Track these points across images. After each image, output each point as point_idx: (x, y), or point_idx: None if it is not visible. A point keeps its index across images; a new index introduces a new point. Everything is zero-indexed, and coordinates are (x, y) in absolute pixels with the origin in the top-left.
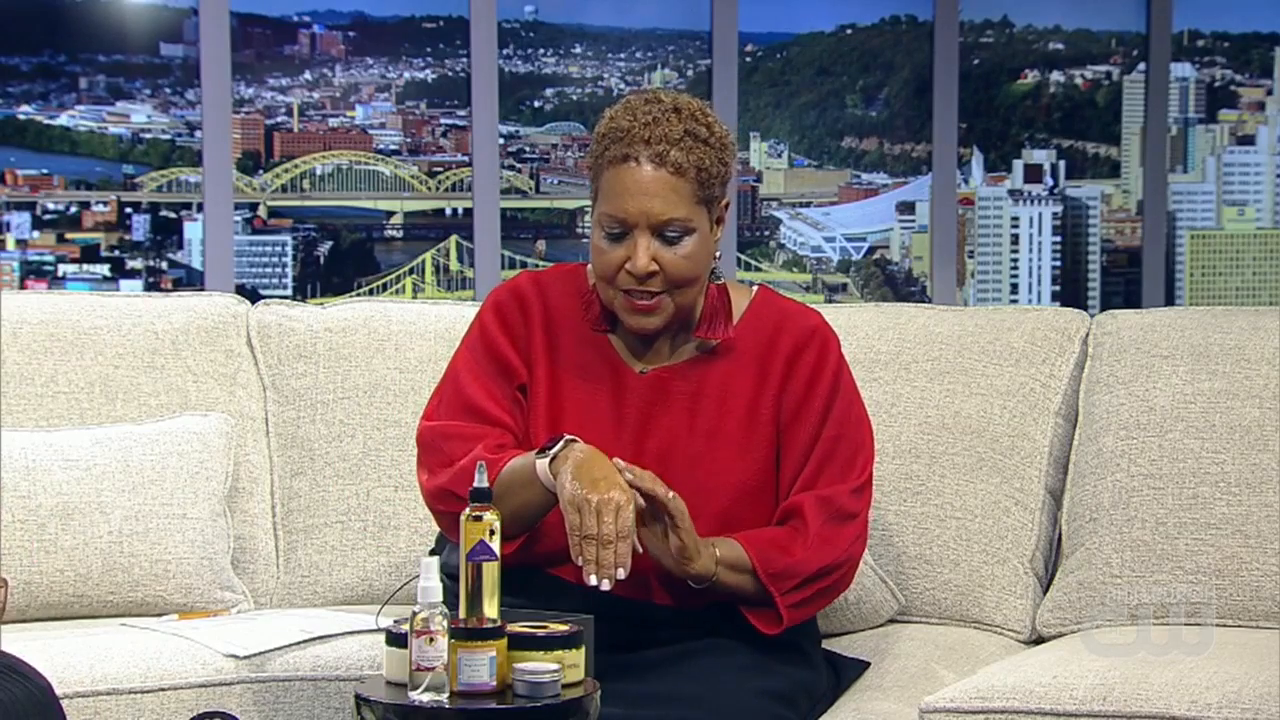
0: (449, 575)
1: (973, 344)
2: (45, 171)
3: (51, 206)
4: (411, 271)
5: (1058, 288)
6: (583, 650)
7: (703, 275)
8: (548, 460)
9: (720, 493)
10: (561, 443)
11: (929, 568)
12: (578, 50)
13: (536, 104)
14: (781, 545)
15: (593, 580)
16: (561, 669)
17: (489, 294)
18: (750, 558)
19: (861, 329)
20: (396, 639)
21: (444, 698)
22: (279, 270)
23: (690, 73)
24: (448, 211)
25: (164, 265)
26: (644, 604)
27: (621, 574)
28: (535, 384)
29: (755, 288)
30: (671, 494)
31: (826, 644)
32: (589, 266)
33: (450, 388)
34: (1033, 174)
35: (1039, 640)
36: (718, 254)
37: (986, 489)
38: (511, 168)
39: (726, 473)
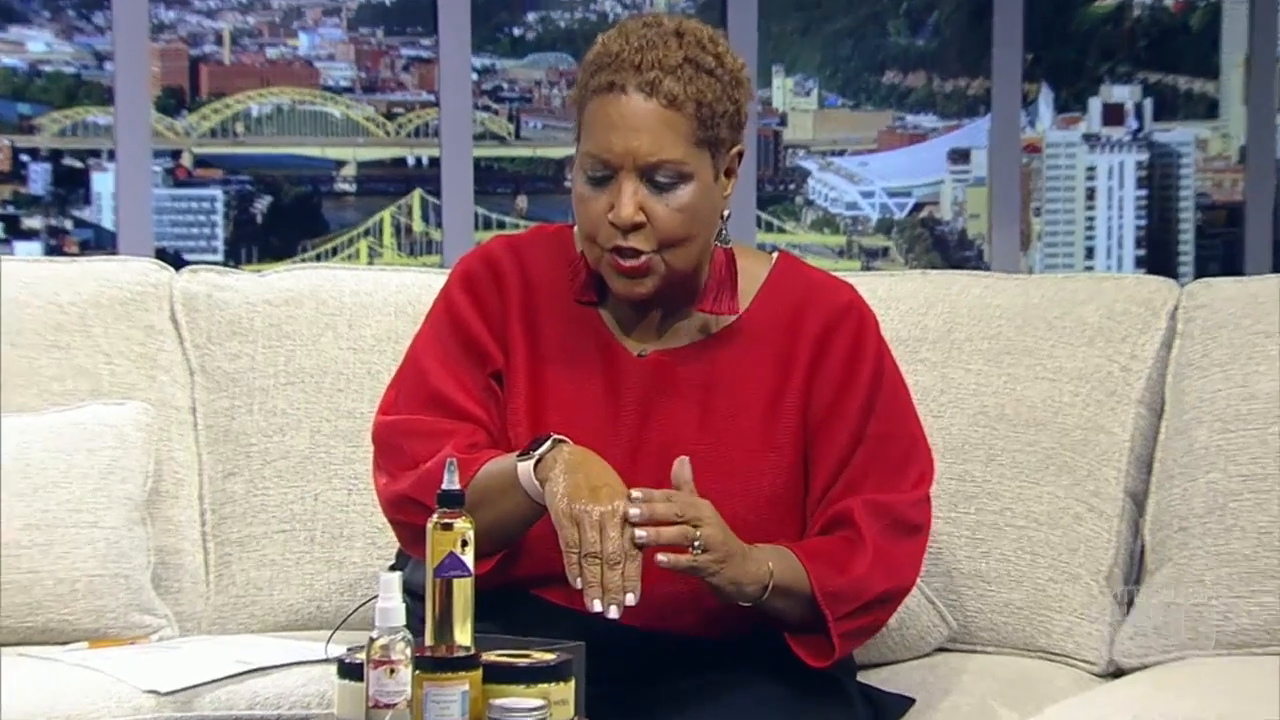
0: (412, 594)
1: (1038, 319)
2: None
3: None
4: (367, 233)
5: (1142, 251)
6: (572, 683)
7: (702, 234)
8: (532, 463)
9: (736, 502)
10: (548, 443)
11: (985, 586)
12: None
13: (516, 31)
14: (837, 559)
15: (597, 606)
16: (547, 705)
17: (457, 263)
18: (807, 572)
19: (904, 302)
20: (350, 670)
21: None
22: (208, 231)
23: None
24: (410, 161)
25: (68, 225)
26: (651, 633)
27: (631, 599)
28: (513, 371)
29: (775, 254)
30: (697, 540)
31: (864, 676)
32: (576, 227)
33: (411, 375)
34: (1113, 115)
35: (1117, 673)
36: (726, 212)
37: (1054, 492)
38: (487, 109)
39: (744, 478)
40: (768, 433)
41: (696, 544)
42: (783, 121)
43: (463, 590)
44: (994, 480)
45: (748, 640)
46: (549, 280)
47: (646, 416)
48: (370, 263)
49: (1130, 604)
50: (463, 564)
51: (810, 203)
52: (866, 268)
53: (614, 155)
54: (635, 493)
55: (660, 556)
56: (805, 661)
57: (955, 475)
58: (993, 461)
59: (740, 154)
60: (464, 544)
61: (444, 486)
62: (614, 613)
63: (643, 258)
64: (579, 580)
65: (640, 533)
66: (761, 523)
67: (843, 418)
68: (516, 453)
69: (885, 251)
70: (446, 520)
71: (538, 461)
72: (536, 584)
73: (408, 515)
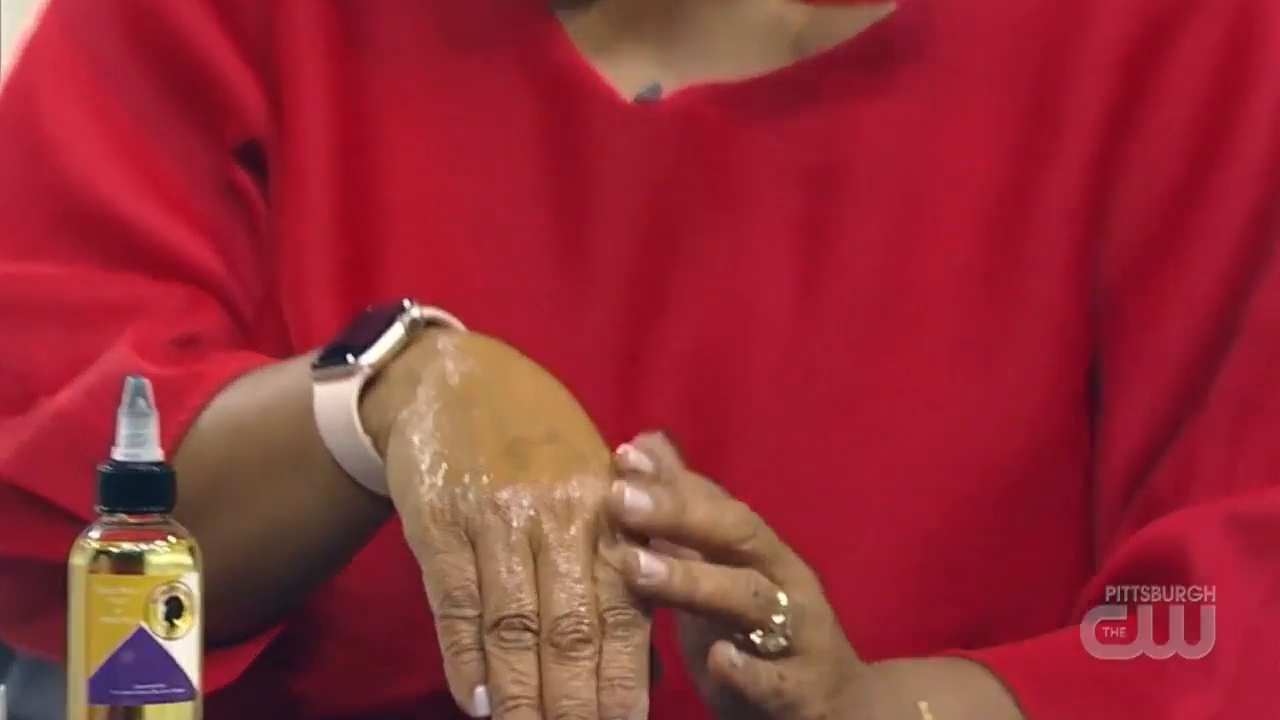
0: None
1: None
2: None
3: None
4: None
5: None
6: None
7: None
8: (355, 385)
9: (899, 486)
10: (396, 330)
11: None
12: None
13: None
14: (1122, 688)
15: None
16: None
17: None
18: None
19: None
20: None
21: None
22: None
23: None
24: None
25: None
26: None
27: None
28: (296, 134)
29: None
30: (781, 612)
31: None
32: None
33: (21, 150)
34: None
35: None
36: None
37: None
38: None
39: (918, 425)
40: (989, 311)
41: (778, 621)
42: None
43: None
44: None
45: None
46: None
47: (663, 261)
48: None
49: None
50: (167, 663)
51: None
52: None
53: None
54: (632, 452)
55: (719, 650)
56: None
57: None
58: None
59: None
60: (172, 607)
61: (118, 451)
62: None
63: None
64: (478, 697)
65: (648, 564)
66: (958, 544)
67: (1187, 271)
68: (310, 356)
69: None
70: (124, 544)
71: (370, 380)
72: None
73: (9, 539)
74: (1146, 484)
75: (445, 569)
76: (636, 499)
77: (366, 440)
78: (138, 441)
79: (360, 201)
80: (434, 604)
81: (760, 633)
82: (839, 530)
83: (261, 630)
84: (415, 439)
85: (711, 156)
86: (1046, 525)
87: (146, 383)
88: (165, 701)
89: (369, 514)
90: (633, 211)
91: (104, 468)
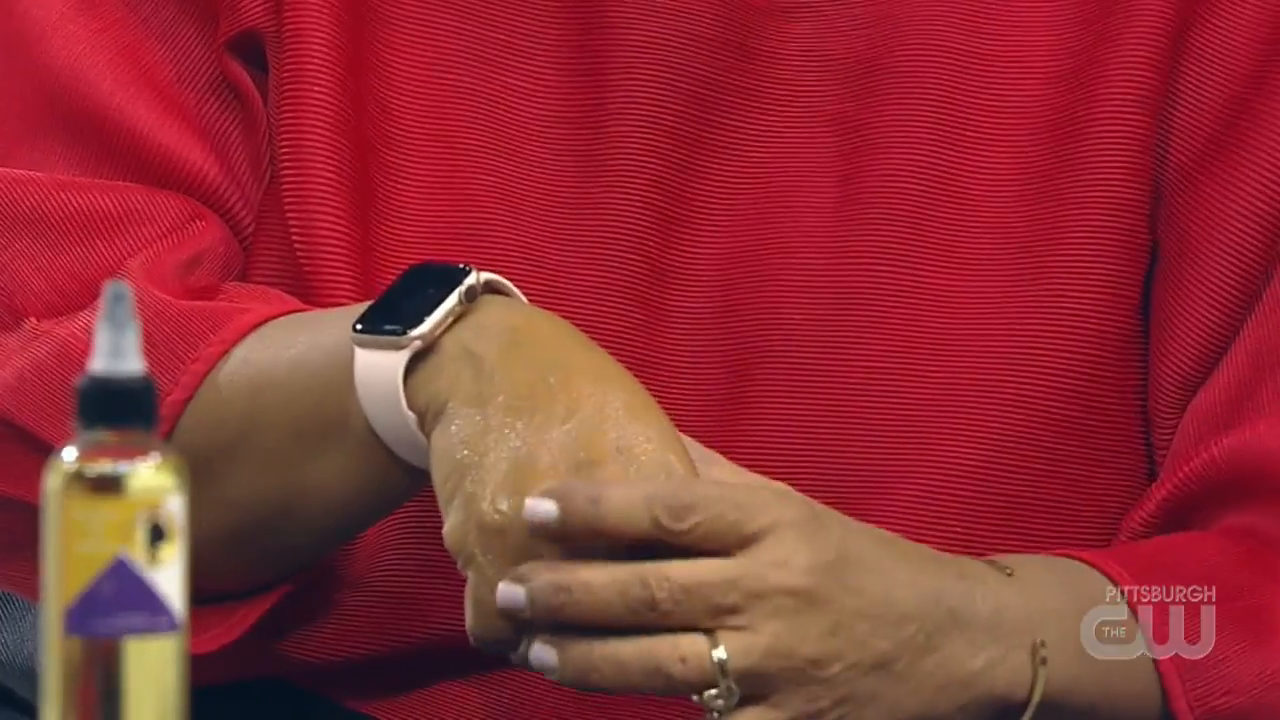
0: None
1: None
2: None
3: None
4: None
5: None
6: None
7: None
8: (404, 357)
9: (945, 414)
10: (450, 301)
11: None
12: None
13: None
14: (1246, 600)
15: None
16: None
17: None
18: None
19: None
20: None
21: None
22: None
23: None
24: None
25: None
26: None
27: None
28: (296, 25)
29: None
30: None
31: None
32: None
33: (1, 42)
34: None
35: None
36: None
37: None
38: None
39: (968, 347)
40: (1046, 214)
41: (719, 687)
42: None
43: (153, 674)
44: None
45: None
46: None
47: (691, 160)
48: None
49: None
50: (149, 593)
51: None
52: None
53: None
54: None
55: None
56: None
57: None
58: None
59: None
60: (155, 533)
61: (96, 363)
62: None
63: None
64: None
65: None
66: (1023, 502)
67: (1250, 164)
68: (351, 314)
69: None
70: (102, 464)
71: (422, 349)
72: (364, 686)
73: None
74: (1204, 389)
75: (486, 603)
76: (537, 505)
77: (411, 417)
78: (117, 351)
79: (365, 100)
80: (468, 622)
81: (709, 692)
82: (880, 462)
83: (263, 589)
84: (465, 438)
85: (744, 45)
86: (1104, 451)
87: (126, 288)
88: (147, 634)
89: (400, 487)
90: (659, 105)
91: (81, 381)
